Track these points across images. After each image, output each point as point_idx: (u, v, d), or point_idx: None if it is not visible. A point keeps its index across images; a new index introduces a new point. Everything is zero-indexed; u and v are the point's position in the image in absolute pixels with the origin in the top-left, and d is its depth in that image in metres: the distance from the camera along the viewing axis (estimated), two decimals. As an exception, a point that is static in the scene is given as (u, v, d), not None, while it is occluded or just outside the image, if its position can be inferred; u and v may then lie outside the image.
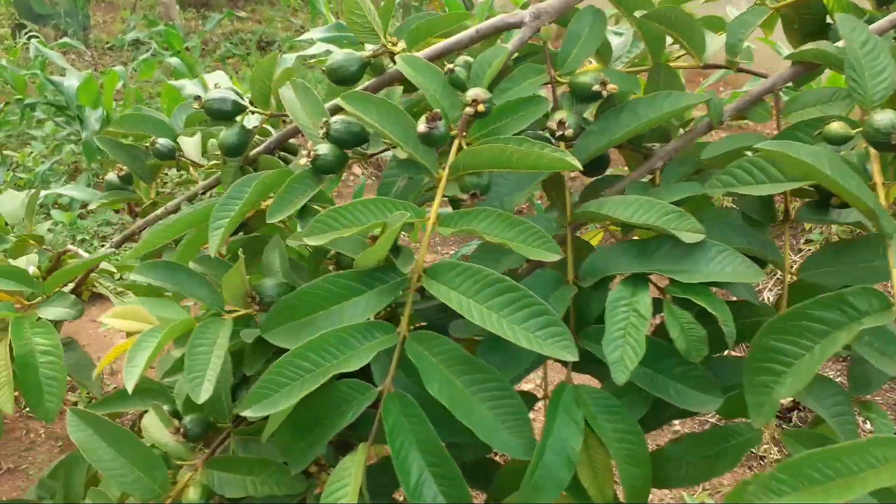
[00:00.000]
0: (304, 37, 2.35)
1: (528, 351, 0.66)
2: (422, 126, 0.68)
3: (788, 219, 0.79)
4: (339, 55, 0.82)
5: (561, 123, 0.72)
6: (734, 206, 0.81)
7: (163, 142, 0.95)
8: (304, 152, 0.75)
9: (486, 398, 0.66)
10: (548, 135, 0.78)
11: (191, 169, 1.03)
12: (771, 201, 0.78)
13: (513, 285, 0.65)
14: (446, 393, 0.66)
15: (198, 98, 0.85)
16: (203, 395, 0.67)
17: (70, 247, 1.12)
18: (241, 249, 0.75)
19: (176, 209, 1.02)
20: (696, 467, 0.74)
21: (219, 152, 0.96)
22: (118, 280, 1.13)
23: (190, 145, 0.97)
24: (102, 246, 3.27)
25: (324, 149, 0.75)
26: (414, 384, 0.70)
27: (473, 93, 0.69)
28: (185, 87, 2.70)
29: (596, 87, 0.75)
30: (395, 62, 0.86)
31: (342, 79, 0.83)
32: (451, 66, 0.72)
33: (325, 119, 0.77)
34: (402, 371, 0.70)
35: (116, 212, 3.37)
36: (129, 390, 0.66)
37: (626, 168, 0.92)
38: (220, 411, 0.81)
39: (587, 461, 0.70)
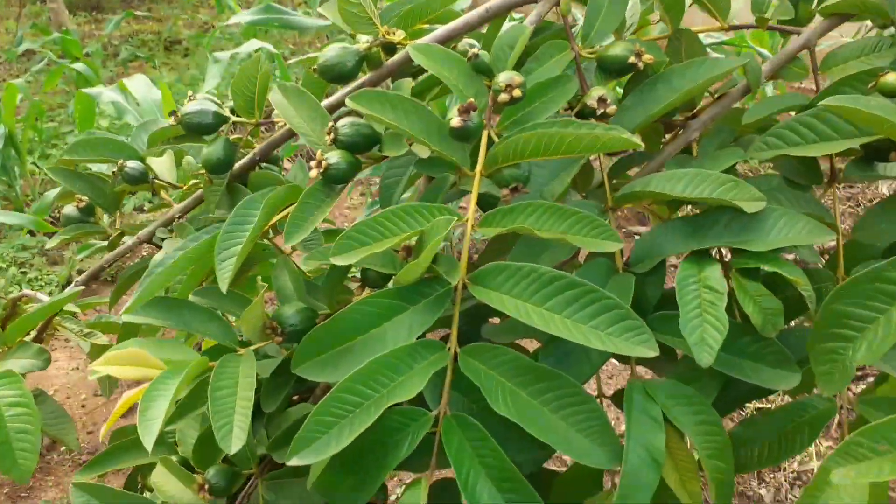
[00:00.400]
0: (233, 20, 2.27)
1: (594, 350, 0.64)
2: (456, 119, 0.65)
3: (835, 178, 0.79)
4: (331, 50, 0.79)
5: (602, 100, 0.71)
6: (773, 171, 0.82)
7: (133, 164, 0.90)
8: (313, 163, 0.72)
9: (557, 407, 0.64)
10: (573, 115, 0.76)
11: (162, 192, 0.98)
12: (815, 162, 0.79)
13: (574, 281, 0.63)
14: (514, 408, 0.63)
15: (173, 113, 0.81)
16: (235, 443, 0.63)
17: (26, 291, 1.06)
18: (259, 279, 0.71)
19: (149, 237, 0.97)
20: (772, 448, 0.75)
21: (196, 171, 0.92)
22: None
23: (162, 166, 0.92)
24: (23, 273, 3.12)
25: (334, 157, 0.72)
26: (471, 402, 0.68)
27: (507, 77, 0.67)
28: (102, 94, 2.55)
29: (632, 59, 0.73)
30: (391, 54, 0.84)
31: (339, 76, 0.79)
32: (474, 51, 0.69)
33: (330, 123, 0.73)
34: (455, 389, 0.68)
35: (32, 234, 3.23)
36: (149, 448, 0.61)
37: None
38: (243, 456, 0.77)
39: (668, 459, 0.69)
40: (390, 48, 0.85)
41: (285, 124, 0.86)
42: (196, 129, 0.81)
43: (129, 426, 0.96)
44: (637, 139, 0.63)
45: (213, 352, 0.74)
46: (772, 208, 0.70)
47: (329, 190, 0.74)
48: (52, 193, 2.11)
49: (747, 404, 1.95)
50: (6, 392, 0.79)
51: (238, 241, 0.70)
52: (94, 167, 1.25)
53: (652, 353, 0.62)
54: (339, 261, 0.65)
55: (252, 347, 0.71)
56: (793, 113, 0.75)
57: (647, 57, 0.74)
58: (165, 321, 0.71)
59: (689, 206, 0.79)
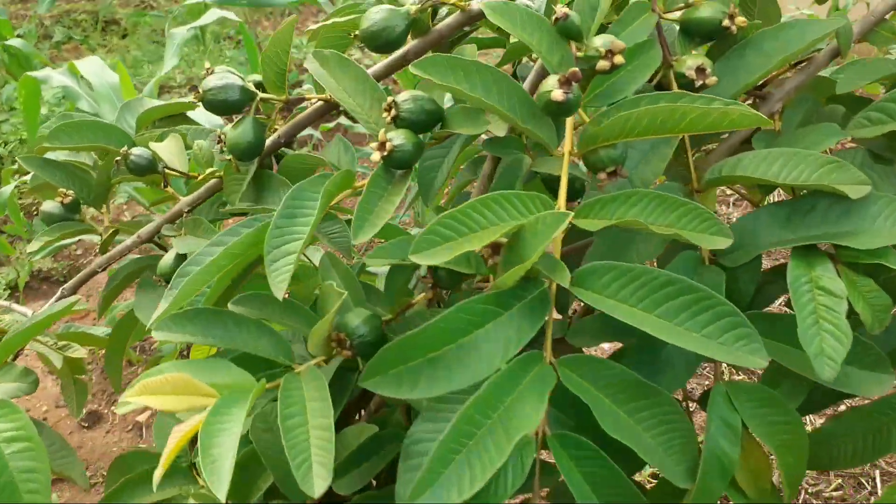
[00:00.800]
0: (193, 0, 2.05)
1: (686, 354, 0.59)
2: (557, 92, 0.54)
3: (926, 152, 0.71)
4: (376, 14, 0.67)
5: (700, 70, 0.61)
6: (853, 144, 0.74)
7: (139, 152, 0.76)
8: (374, 145, 0.60)
9: (651, 425, 0.57)
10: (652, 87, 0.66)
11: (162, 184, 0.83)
12: (905, 133, 0.71)
13: (690, 285, 0.54)
14: (616, 429, 0.55)
15: (194, 89, 0.67)
16: (318, 483, 0.52)
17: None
18: (333, 284, 0.58)
19: (152, 236, 0.83)
20: (866, 443, 0.69)
21: (207, 157, 0.78)
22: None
23: (169, 152, 0.77)
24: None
25: (399, 138, 0.60)
26: (567, 419, 0.59)
27: (605, 41, 0.56)
28: (51, 77, 2.30)
29: (725, 22, 0.63)
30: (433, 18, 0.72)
31: (386, 44, 0.67)
32: (564, 9, 0.58)
33: (390, 98, 0.61)
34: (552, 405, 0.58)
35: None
36: (222, 498, 0.49)
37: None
38: (294, 489, 0.65)
39: (743, 462, 0.62)
40: (433, 11, 0.73)
41: (317, 101, 0.73)
42: (220, 108, 0.68)
43: (130, 452, 0.83)
44: (763, 116, 0.54)
45: (244, 364, 0.61)
46: (876, 195, 0.62)
47: (390, 176, 0.62)
48: (6, 190, 1.88)
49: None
50: (4, 425, 0.65)
51: (295, 238, 0.58)
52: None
53: (763, 363, 0.54)
54: (422, 260, 0.54)
55: (312, 362, 0.59)
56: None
57: (741, 19, 0.64)
58: (206, 337, 0.58)
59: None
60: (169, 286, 0.58)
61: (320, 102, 0.73)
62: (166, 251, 0.88)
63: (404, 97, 0.62)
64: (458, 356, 0.55)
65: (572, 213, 0.51)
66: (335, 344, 0.59)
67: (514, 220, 0.55)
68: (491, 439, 0.50)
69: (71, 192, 0.85)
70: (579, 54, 0.60)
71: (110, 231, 0.87)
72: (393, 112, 0.61)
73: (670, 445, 0.56)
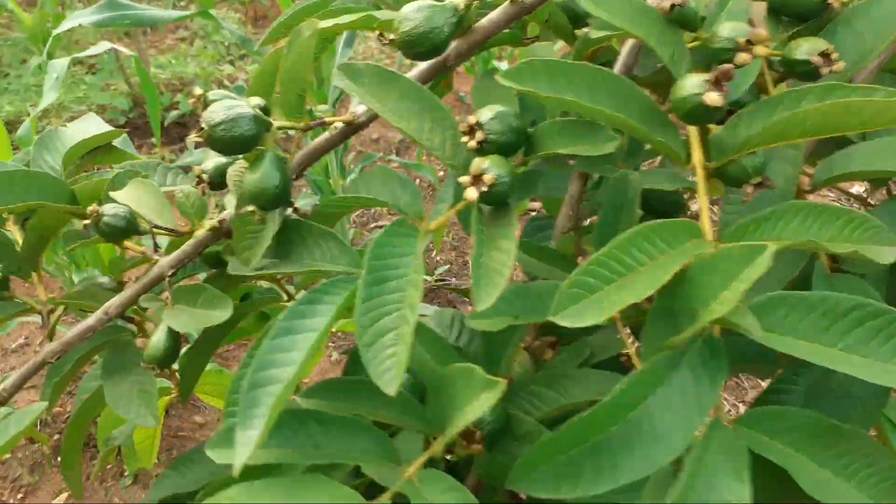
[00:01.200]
0: (70, 23, 1.74)
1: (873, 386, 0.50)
2: (713, 95, 0.44)
3: None
4: (417, 13, 0.54)
5: (826, 55, 0.52)
6: None
7: (113, 210, 0.58)
8: (466, 179, 0.47)
9: (854, 471, 0.47)
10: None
11: (126, 242, 0.66)
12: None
13: (878, 309, 0.46)
14: (816, 485, 0.46)
15: (197, 125, 0.51)
16: None
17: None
18: (470, 367, 0.45)
19: (123, 310, 0.66)
20: None
21: (194, 204, 0.62)
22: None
23: (145, 205, 0.60)
24: None
25: (495, 168, 0.48)
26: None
27: (740, 30, 0.47)
28: None
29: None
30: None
31: (432, 48, 0.54)
32: (684, -6, 0.48)
33: (473, 118, 0.49)
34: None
35: None
36: None
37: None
38: None
39: None
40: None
41: (340, 123, 0.59)
42: (231, 146, 0.52)
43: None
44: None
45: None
46: None
47: (480, 215, 0.49)
48: None
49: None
50: None
51: (394, 308, 0.44)
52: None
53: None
54: (572, 321, 0.42)
55: (419, 462, 0.45)
56: None
57: (845, -6, 0.57)
58: (285, 449, 0.44)
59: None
60: (244, 403, 0.42)
61: (341, 127, 0.59)
62: (137, 326, 0.71)
63: (488, 115, 0.49)
64: (624, 436, 0.44)
65: (773, 245, 0.41)
66: (460, 438, 0.46)
67: (665, 255, 0.45)
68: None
69: (-1, 265, 0.66)
70: (691, 45, 0.50)
71: (57, 308, 0.69)
72: (478, 135, 0.49)
73: (880, 490, 0.47)
